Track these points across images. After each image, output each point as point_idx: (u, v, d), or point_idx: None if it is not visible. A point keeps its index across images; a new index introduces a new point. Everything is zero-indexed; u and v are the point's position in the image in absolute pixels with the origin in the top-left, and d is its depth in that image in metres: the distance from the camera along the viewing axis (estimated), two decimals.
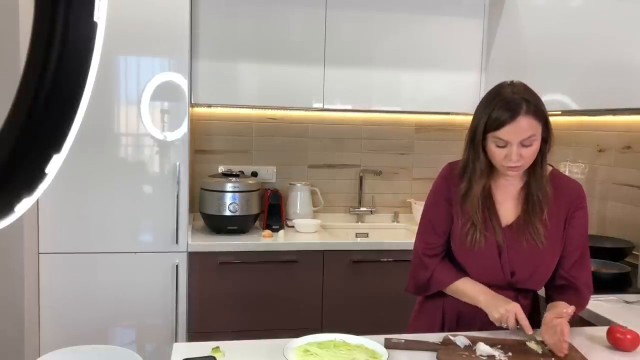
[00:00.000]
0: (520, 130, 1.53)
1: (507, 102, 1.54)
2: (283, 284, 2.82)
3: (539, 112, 1.55)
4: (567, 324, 1.50)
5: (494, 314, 1.58)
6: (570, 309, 1.54)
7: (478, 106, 1.63)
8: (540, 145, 1.59)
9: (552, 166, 1.74)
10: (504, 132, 1.53)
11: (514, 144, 1.54)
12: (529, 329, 1.53)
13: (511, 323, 1.56)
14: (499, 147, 1.57)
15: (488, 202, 1.68)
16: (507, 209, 1.69)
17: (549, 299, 1.71)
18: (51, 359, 1.50)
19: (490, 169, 1.66)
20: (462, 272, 1.72)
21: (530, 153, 1.57)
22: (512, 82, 1.62)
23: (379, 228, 3.42)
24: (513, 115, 1.52)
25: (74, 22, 0.45)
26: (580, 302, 1.67)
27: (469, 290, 1.68)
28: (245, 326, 2.74)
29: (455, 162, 1.74)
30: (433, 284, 1.74)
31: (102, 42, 0.47)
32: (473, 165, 1.64)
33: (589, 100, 2.43)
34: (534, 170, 1.64)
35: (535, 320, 1.64)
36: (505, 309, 1.56)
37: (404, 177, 3.51)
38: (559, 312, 1.55)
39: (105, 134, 2.61)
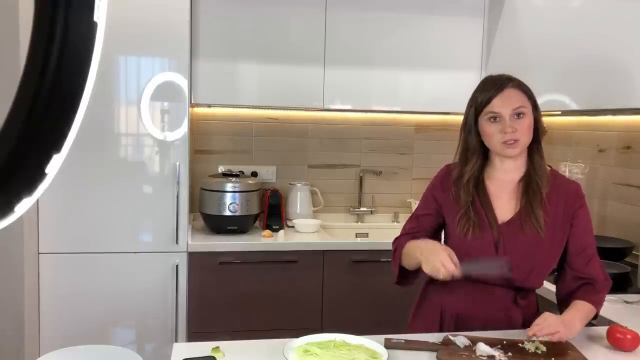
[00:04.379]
0: (509, 100, 1.60)
1: (492, 80, 1.65)
2: (283, 284, 2.82)
3: (525, 87, 1.65)
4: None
5: (425, 269, 1.52)
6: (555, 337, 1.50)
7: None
8: (534, 131, 1.64)
9: (551, 167, 1.74)
10: (494, 105, 1.61)
11: (505, 115, 1.60)
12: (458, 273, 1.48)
13: (444, 272, 1.48)
14: (492, 123, 1.62)
15: (483, 198, 1.68)
16: (504, 205, 1.68)
17: (565, 303, 1.65)
18: (51, 359, 1.50)
19: (484, 154, 1.69)
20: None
21: (523, 127, 1.60)
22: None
23: (379, 228, 3.42)
24: (500, 87, 1.62)
25: (74, 22, 0.45)
26: (600, 297, 1.65)
27: (410, 248, 1.65)
28: (245, 326, 2.74)
29: (453, 164, 1.75)
30: (396, 257, 1.74)
31: (102, 42, 0.47)
32: (465, 146, 1.69)
33: (589, 100, 2.43)
34: (532, 160, 1.67)
35: None
36: (433, 264, 1.49)
37: (404, 177, 3.51)
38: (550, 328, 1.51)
39: (105, 134, 2.61)
